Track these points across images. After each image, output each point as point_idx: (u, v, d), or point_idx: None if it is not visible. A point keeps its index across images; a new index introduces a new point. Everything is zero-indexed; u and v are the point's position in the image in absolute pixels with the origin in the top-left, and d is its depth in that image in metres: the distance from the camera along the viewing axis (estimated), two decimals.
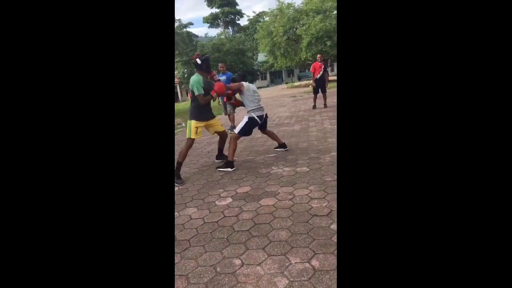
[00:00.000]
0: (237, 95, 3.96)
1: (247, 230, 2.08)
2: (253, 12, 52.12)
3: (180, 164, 3.37)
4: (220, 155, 3.97)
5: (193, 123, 3.39)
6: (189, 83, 3.47)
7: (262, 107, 3.80)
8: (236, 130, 3.74)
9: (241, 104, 3.97)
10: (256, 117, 3.69)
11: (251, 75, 31.02)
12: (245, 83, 3.79)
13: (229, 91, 3.76)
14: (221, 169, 3.56)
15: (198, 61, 3.40)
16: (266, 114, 3.86)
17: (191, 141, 3.41)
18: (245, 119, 3.72)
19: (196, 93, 3.32)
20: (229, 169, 3.51)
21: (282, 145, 4.09)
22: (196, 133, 3.41)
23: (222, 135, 3.75)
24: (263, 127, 3.90)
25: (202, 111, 3.42)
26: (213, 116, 3.57)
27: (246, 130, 3.75)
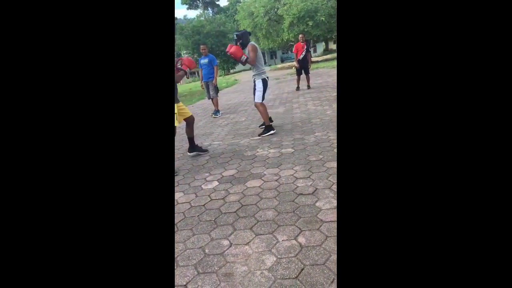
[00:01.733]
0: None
1: (234, 212, 2.10)
2: None
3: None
4: (192, 147, 3.57)
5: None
6: None
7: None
8: (257, 99, 3.85)
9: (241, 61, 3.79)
10: (266, 78, 3.90)
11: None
12: (255, 44, 3.79)
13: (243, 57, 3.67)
14: (264, 135, 3.79)
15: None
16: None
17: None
18: (260, 83, 3.83)
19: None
20: (272, 131, 3.81)
21: (269, 127, 4.08)
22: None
23: (190, 121, 3.42)
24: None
25: None
26: (177, 101, 3.25)
27: (264, 93, 3.90)
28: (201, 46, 6.20)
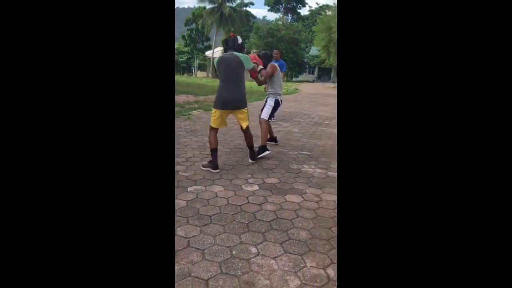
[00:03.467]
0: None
1: (268, 222, 2.08)
2: (317, 3, 50.63)
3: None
4: (253, 153, 3.39)
5: (245, 110, 3.18)
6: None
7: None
8: (264, 115, 3.80)
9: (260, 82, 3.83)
10: (280, 100, 3.94)
11: (299, 67, 30.53)
12: (275, 64, 3.89)
13: (262, 73, 3.69)
14: (259, 156, 3.47)
15: (239, 39, 3.14)
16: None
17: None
18: (271, 103, 3.84)
19: (250, 67, 3.09)
20: (267, 152, 3.54)
21: (273, 139, 4.13)
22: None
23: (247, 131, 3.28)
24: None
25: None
26: (244, 105, 3.24)
27: (272, 113, 3.92)
28: (275, 51, 6.29)
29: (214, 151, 3.07)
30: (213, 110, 3.15)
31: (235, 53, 3.04)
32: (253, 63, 3.25)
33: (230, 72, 3.02)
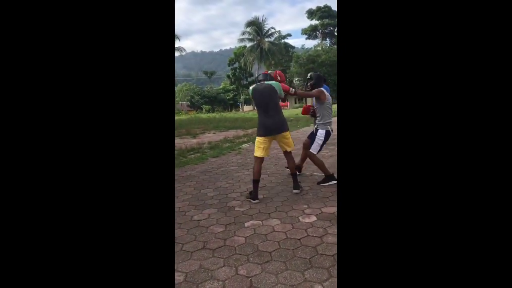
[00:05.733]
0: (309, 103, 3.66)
1: (331, 256, 1.96)
2: None
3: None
4: (296, 183, 3.27)
5: (288, 133, 3.20)
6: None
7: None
8: (314, 150, 3.45)
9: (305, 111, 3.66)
10: (331, 130, 3.48)
11: None
12: (325, 91, 3.49)
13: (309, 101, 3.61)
14: (324, 184, 3.42)
15: (271, 74, 3.27)
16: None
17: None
18: (323, 134, 3.42)
19: (282, 94, 3.14)
20: (334, 181, 3.40)
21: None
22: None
23: (290, 156, 3.28)
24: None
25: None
26: (286, 129, 3.23)
27: (322, 146, 3.51)
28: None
29: (256, 182, 3.09)
30: (257, 139, 3.17)
31: (266, 82, 3.10)
32: (281, 84, 3.21)
33: (266, 100, 3.08)
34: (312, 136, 3.58)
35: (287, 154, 3.25)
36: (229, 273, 1.83)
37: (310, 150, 3.49)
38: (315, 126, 3.59)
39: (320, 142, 3.45)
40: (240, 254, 2.06)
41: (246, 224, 2.55)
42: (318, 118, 3.51)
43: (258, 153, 3.14)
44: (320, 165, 3.47)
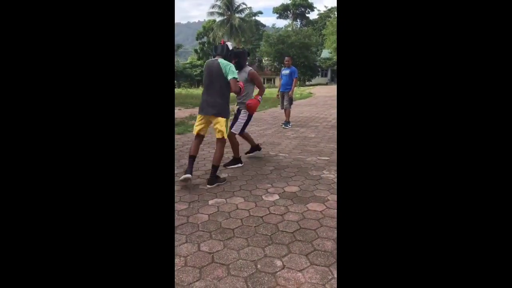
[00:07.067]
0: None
1: (292, 233, 2.04)
2: (325, 6, 50.52)
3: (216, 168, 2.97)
4: (213, 177, 2.98)
5: (226, 120, 2.99)
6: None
7: None
8: (235, 130, 3.47)
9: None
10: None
11: (312, 71, 30.40)
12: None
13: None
14: (231, 166, 3.48)
15: (229, 46, 3.00)
16: None
17: (225, 141, 3.05)
18: (245, 116, 3.47)
19: (231, 77, 2.83)
20: (239, 164, 3.52)
21: (256, 147, 3.82)
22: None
23: (222, 144, 3.06)
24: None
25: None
26: (227, 115, 3.05)
27: (245, 127, 3.56)
28: (286, 58, 6.32)
29: (190, 157, 2.93)
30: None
31: (219, 60, 2.89)
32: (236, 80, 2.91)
33: (211, 78, 2.92)
34: (235, 116, 3.59)
35: (217, 142, 3.01)
36: (191, 249, 1.84)
37: (232, 130, 3.45)
38: (237, 106, 3.58)
39: (243, 123, 3.50)
40: (203, 231, 2.07)
41: (210, 202, 2.56)
42: (243, 97, 3.42)
43: (194, 130, 3.08)
44: (235, 147, 3.50)
